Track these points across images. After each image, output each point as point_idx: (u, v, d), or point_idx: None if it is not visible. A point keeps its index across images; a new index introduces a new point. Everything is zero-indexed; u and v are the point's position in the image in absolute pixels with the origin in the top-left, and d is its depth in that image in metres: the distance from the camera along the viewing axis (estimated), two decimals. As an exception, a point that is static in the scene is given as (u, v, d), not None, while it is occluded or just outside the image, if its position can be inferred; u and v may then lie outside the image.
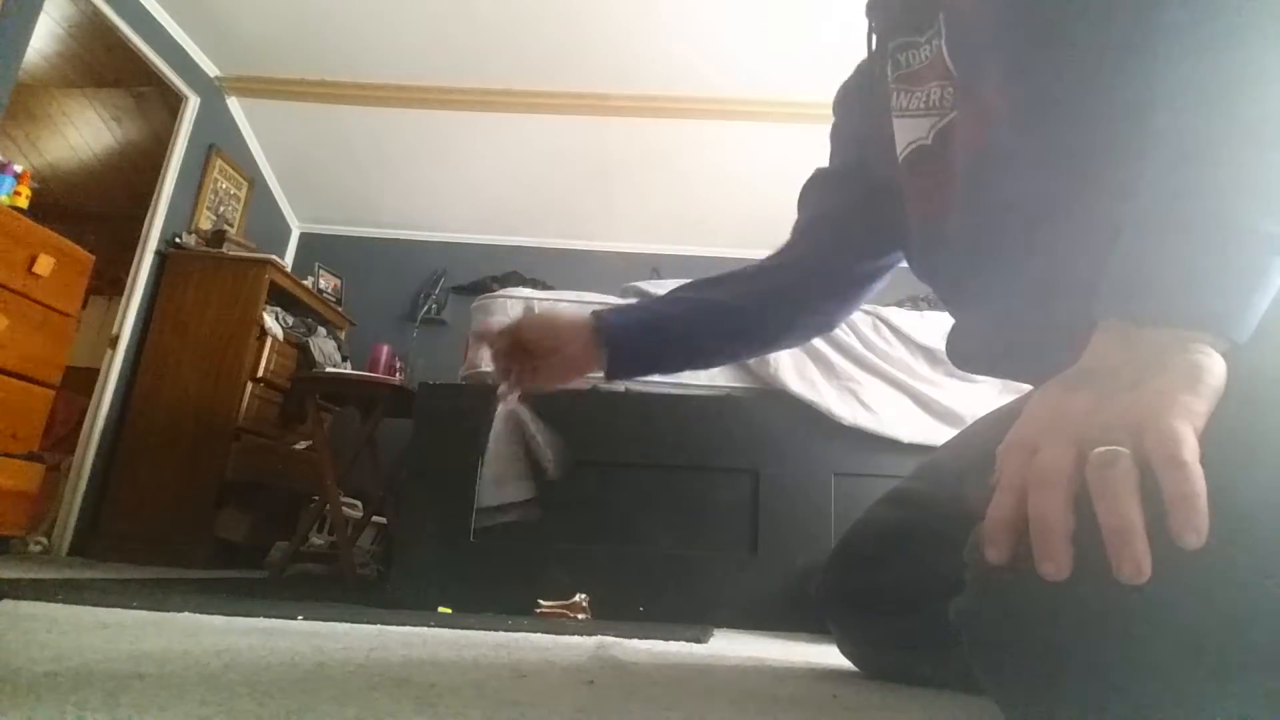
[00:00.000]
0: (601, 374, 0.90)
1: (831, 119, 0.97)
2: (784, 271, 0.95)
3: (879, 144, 0.81)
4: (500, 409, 0.83)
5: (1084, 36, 0.59)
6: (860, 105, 0.89)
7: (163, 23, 3.13)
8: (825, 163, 0.98)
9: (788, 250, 0.97)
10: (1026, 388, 0.74)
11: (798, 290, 0.95)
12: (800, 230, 0.97)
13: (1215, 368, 0.39)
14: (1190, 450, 0.35)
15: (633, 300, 0.96)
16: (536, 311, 0.86)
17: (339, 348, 3.56)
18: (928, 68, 0.72)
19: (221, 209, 3.53)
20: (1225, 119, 0.44)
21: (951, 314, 0.80)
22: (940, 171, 0.71)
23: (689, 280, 0.98)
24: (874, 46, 0.81)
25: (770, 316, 0.95)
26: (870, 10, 0.82)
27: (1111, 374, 0.41)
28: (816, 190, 0.97)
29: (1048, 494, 0.38)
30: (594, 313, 0.90)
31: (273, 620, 1.17)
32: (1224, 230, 0.42)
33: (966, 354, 0.78)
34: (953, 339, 0.79)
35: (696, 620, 1.61)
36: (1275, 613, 0.34)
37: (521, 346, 0.85)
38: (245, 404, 3.01)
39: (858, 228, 0.90)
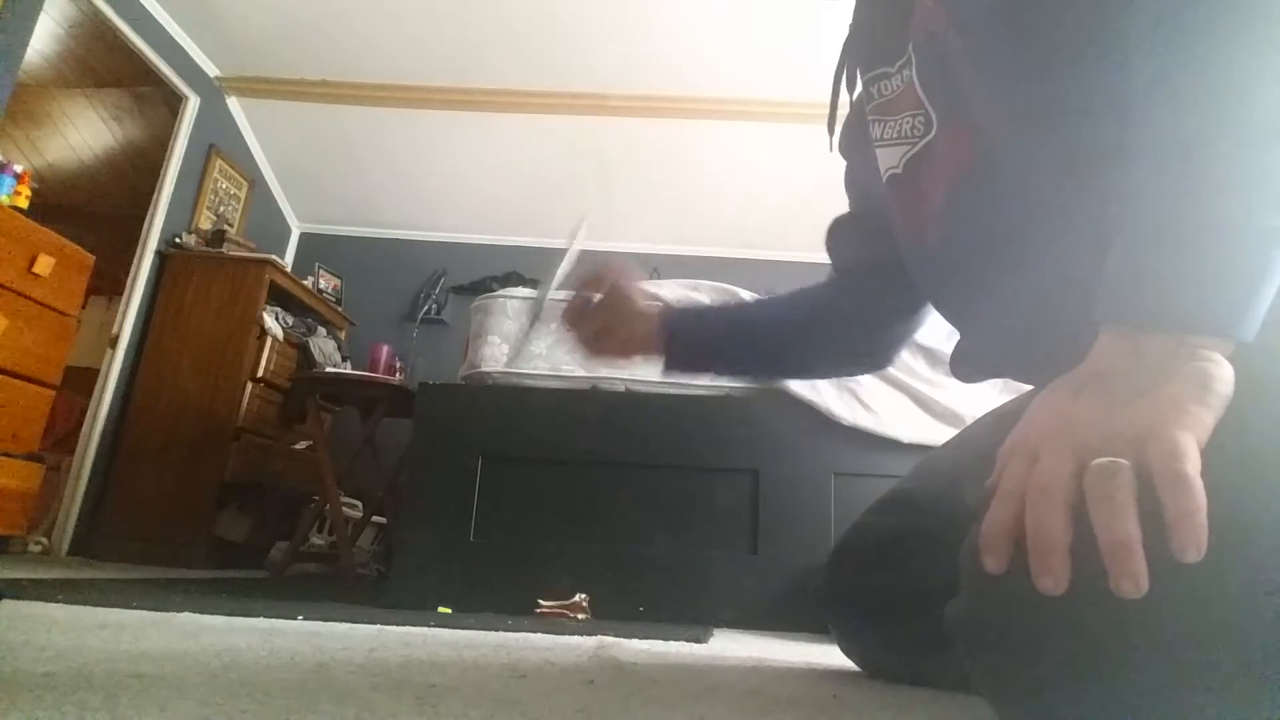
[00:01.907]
0: (659, 361, 0.93)
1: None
2: (832, 293, 0.96)
3: (877, 179, 0.80)
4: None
5: (1058, 44, 0.58)
6: (856, 147, 0.88)
7: (163, 23, 3.13)
8: (828, 188, 0.98)
9: (830, 284, 0.98)
10: (1028, 387, 0.74)
11: (849, 313, 0.94)
12: (835, 275, 0.97)
13: (1224, 375, 0.38)
14: (1193, 464, 0.34)
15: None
16: (625, 283, 0.89)
17: (339, 348, 3.56)
18: (899, 97, 0.72)
19: (221, 209, 3.53)
20: (1211, 113, 0.43)
21: (955, 328, 0.80)
22: (912, 198, 0.72)
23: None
24: (850, 85, 0.82)
25: (823, 329, 0.95)
26: (846, 51, 0.82)
27: (1117, 379, 0.40)
28: (841, 234, 0.96)
29: (1046, 506, 0.37)
30: (663, 304, 0.95)
31: (273, 620, 1.17)
32: (1221, 227, 0.40)
33: (970, 368, 0.78)
34: (956, 356, 0.79)
35: (696, 620, 1.61)
36: (1271, 626, 0.34)
37: (610, 308, 0.88)
38: (245, 404, 3.00)
39: (885, 262, 0.88)
